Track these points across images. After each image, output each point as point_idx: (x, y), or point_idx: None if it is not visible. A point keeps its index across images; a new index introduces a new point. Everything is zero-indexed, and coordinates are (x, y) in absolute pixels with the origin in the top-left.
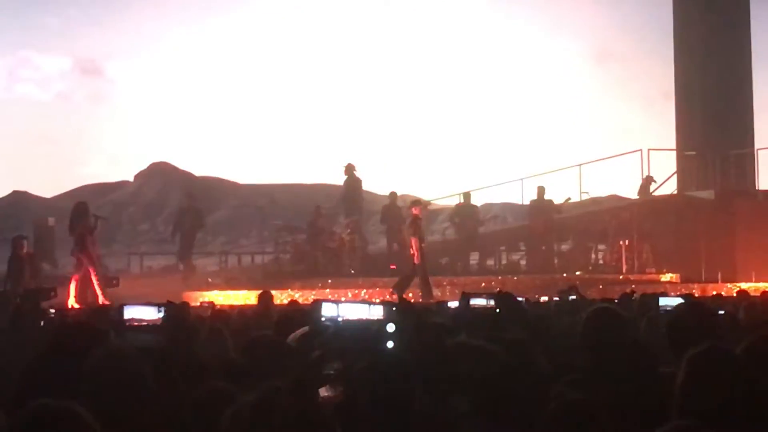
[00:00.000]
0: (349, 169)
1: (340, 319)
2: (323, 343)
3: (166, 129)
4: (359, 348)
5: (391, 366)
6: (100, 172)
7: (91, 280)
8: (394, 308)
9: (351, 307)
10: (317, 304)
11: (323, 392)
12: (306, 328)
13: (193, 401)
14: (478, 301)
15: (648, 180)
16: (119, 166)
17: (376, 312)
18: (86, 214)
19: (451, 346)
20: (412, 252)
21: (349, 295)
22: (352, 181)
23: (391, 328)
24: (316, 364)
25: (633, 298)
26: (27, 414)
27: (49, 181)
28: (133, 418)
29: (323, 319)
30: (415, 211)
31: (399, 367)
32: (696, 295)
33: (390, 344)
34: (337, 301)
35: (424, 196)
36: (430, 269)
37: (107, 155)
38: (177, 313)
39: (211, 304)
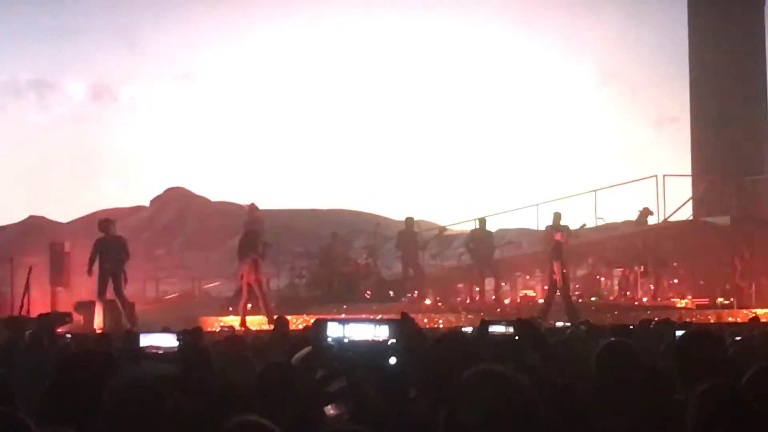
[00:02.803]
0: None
1: (345, 339)
2: (327, 363)
3: (182, 154)
4: (363, 365)
5: (395, 381)
6: (116, 197)
7: (259, 305)
8: (398, 326)
9: (356, 327)
10: (320, 323)
11: (329, 410)
12: (309, 348)
13: None
14: (496, 328)
15: (646, 212)
16: (135, 191)
17: (382, 331)
18: (256, 243)
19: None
20: (555, 277)
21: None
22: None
23: (393, 344)
24: (320, 384)
25: (651, 325)
26: None
27: (65, 206)
28: None
29: (329, 339)
30: (557, 237)
31: (402, 382)
32: (711, 321)
33: (392, 360)
34: (342, 321)
35: (440, 222)
36: (445, 295)
37: (123, 180)
38: (193, 340)
39: (231, 328)
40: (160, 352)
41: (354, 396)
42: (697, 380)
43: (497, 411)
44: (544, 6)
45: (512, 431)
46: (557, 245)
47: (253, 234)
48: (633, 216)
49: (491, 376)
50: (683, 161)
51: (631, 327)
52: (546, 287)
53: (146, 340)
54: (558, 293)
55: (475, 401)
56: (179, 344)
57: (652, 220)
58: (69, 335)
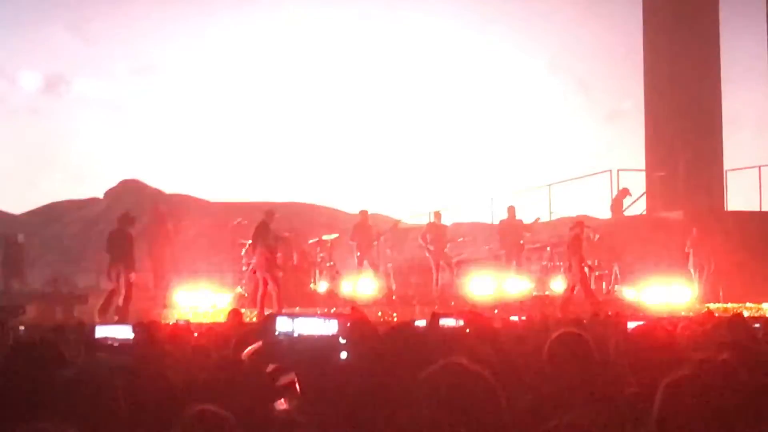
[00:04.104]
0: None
1: (296, 334)
2: (277, 357)
3: (136, 146)
4: (313, 361)
5: (345, 376)
6: (70, 189)
7: (273, 296)
8: (347, 322)
9: (306, 322)
10: (271, 318)
11: (279, 405)
12: (259, 343)
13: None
14: (447, 321)
15: (623, 193)
16: (89, 184)
17: (331, 326)
18: (267, 235)
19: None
20: (575, 271)
21: (318, 312)
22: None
23: (343, 339)
24: (270, 379)
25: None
26: None
27: (19, 198)
28: None
29: (278, 333)
30: (576, 232)
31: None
32: (664, 315)
33: (343, 355)
34: (292, 316)
35: (395, 215)
36: (400, 289)
37: (77, 172)
38: (147, 332)
39: (187, 322)
40: (116, 344)
41: (303, 391)
42: (648, 374)
43: (461, 405)
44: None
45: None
46: (575, 240)
47: (263, 229)
48: (588, 210)
49: (457, 370)
50: (638, 155)
51: (584, 321)
52: (567, 282)
53: (102, 331)
54: (577, 288)
55: (439, 395)
56: (134, 336)
57: (605, 214)
58: (22, 327)
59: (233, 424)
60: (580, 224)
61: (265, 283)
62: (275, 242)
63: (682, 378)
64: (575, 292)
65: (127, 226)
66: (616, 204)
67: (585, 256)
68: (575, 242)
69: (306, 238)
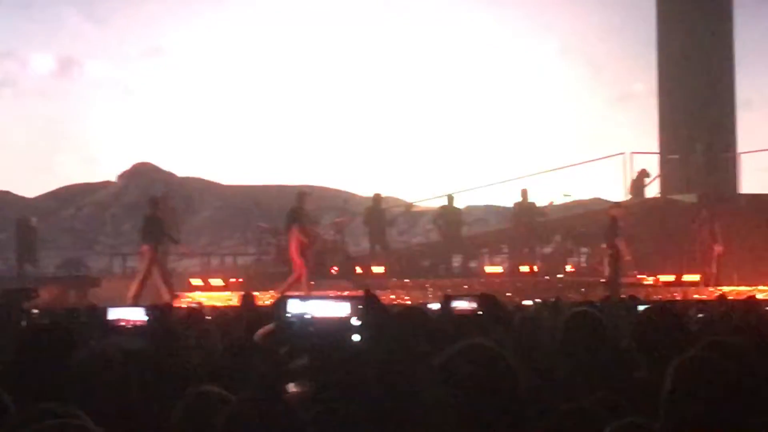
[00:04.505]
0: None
1: (308, 315)
2: (289, 340)
3: (149, 129)
4: (326, 343)
5: (358, 360)
6: (82, 173)
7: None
8: (359, 304)
9: (318, 304)
10: (282, 300)
11: (291, 388)
12: (271, 325)
13: (184, 404)
14: (460, 304)
15: (642, 173)
16: (102, 167)
17: (344, 308)
18: (301, 217)
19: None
20: (610, 252)
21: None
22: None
23: (356, 321)
24: (282, 361)
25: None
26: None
27: (32, 181)
28: (118, 421)
29: (289, 315)
30: (614, 213)
31: (366, 359)
32: (678, 298)
33: (356, 338)
34: (303, 297)
35: (407, 199)
36: (413, 271)
37: (90, 155)
38: (161, 315)
39: (200, 304)
40: (129, 326)
41: (316, 374)
42: (657, 356)
43: (481, 386)
44: None
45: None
46: (613, 221)
47: (297, 212)
48: (602, 194)
49: (476, 351)
50: (650, 138)
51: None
52: (608, 265)
53: (115, 313)
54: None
55: (458, 376)
56: (148, 319)
57: (619, 197)
58: (35, 310)
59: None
60: (617, 205)
61: (306, 266)
62: (310, 224)
63: (693, 358)
64: (612, 273)
65: (156, 209)
66: (636, 185)
67: (621, 238)
68: (613, 223)
69: (318, 220)
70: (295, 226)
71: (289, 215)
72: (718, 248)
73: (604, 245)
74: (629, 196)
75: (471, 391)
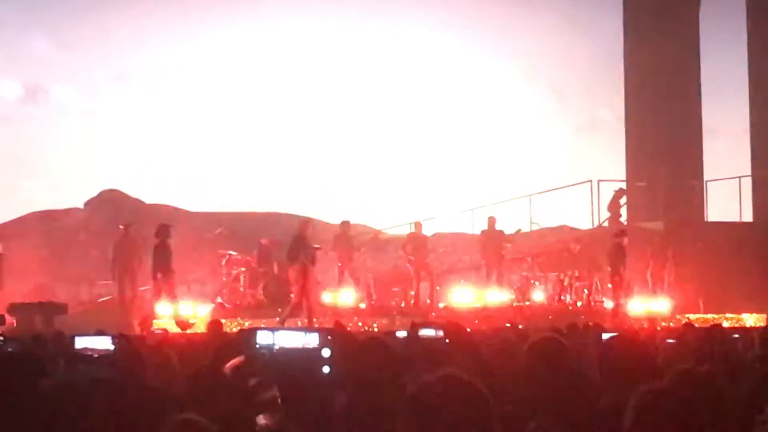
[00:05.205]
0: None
1: (276, 346)
2: (258, 371)
3: (117, 156)
4: (295, 374)
5: (327, 390)
6: (49, 199)
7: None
8: (328, 335)
9: (286, 335)
10: (251, 332)
11: (260, 420)
12: (241, 357)
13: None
14: (427, 332)
15: (619, 194)
16: (69, 193)
17: (312, 339)
18: (305, 246)
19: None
20: (614, 279)
21: (299, 324)
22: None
23: (326, 353)
24: (252, 393)
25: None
26: None
27: None
28: None
29: (258, 346)
30: (618, 240)
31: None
32: (645, 326)
33: (326, 369)
34: (272, 328)
35: (375, 226)
36: (381, 300)
37: (56, 181)
38: (128, 344)
39: (164, 331)
40: (95, 355)
41: (286, 406)
42: (621, 385)
43: (462, 419)
44: (478, 8)
45: None
46: (620, 249)
47: (300, 240)
48: (568, 220)
49: (452, 382)
50: (617, 165)
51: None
52: (612, 292)
53: (82, 342)
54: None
55: (431, 407)
56: (114, 347)
57: (586, 225)
58: (1, 337)
59: None
60: (623, 233)
61: (307, 294)
62: (314, 252)
63: (656, 389)
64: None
65: (167, 237)
66: (613, 205)
67: (622, 266)
68: (619, 251)
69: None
70: (299, 254)
71: (293, 243)
72: (667, 276)
73: (608, 271)
74: (596, 224)
75: (444, 422)
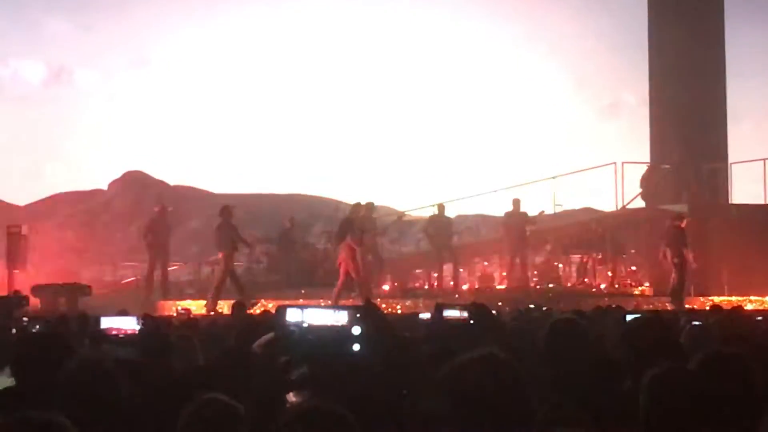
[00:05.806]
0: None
1: (305, 324)
2: (289, 349)
3: (140, 137)
4: (325, 352)
5: (358, 368)
6: (73, 180)
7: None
8: (358, 313)
9: (316, 312)
10: (281, 309)
11: (291, 398)
12: (271, 335)
13: (190, 411)
14: (451, 313)
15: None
16: (93, 175)
17: (342, 317)
18: (353, 228)
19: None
20: (674, 261)
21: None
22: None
23: (356, 331)
24: (282, 371)
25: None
26: (10, 426)
27: (22, 189)
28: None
29: (288, 324)
30: (679, 223)
31: (366, 369)
32: (669, 308)
33: (356, 347)
34: (302, 306)
35: (399, 208)
36: (404, 282)
37: (80, 163)
38: (154, 325)
39: (187, 311)
40: (121, 335)
41: (316, 384)
42: (645, 366)
43: (501, 399)
44: None
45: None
46: (681, 232)
47: (347, 222)
48: (592, 203)
49: (490, 361)
50: (642, 147)
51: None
52: (674, 274)
53: (107, 322)
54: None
55: (466, 387)
56: (140, 328)
57: (610, 207)
58: (25, 318)
59: (241, 415)
60: (681, 216)
61: (346, 275)
62: (361, 234)
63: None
64: (681, 282)
65: (230, 217)
66: (647, 181)
67: (689, 249)
68: (678, 233)
69: (310, 230)
70: (348, 236)
71: (343, 225)
72: (675, 259)
73: (666, 253)
74: (620, 206)
75: (482, 402)
